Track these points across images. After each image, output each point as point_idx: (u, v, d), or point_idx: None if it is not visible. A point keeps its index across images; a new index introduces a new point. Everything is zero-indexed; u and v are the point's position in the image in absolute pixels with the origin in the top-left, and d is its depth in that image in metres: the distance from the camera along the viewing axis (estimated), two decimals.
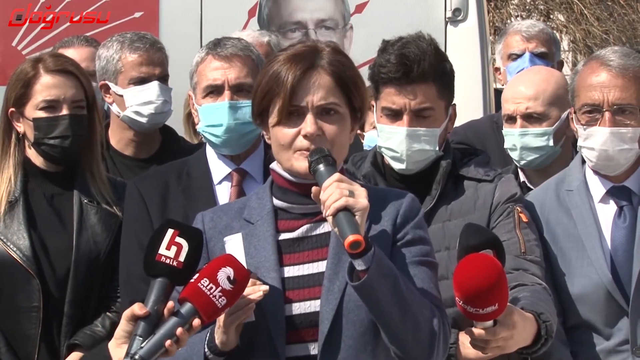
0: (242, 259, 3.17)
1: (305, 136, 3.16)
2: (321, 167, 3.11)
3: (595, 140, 3.94)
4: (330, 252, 3.18)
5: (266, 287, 3.11)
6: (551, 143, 4.52)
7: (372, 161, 4.01)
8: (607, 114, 3.92)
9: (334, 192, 3.03)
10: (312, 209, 3.20)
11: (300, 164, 3.17)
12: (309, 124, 3.16)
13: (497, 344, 3.31)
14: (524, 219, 3.86)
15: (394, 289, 3.06)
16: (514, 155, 4.61)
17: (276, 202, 3.28)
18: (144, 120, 4.98)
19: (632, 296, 3.90)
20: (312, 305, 3.16)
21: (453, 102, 3.98)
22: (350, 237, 2.96)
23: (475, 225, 3.40)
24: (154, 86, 4.96)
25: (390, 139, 3.87)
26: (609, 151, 3.93)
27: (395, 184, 3.90)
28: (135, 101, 4.96)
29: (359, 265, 3.04)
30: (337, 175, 3.07)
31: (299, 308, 3.16)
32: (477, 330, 3.27)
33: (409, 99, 3.81)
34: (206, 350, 3.14)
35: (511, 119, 4.59)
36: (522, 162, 4.61)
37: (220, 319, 3.11)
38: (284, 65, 3.19)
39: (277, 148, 3.23)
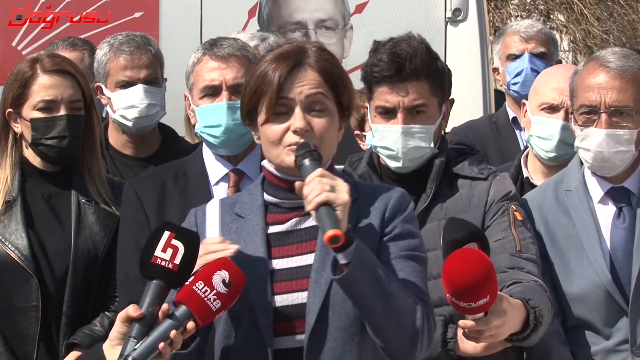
0: (216, 224, 3.25)
1: (295, 131, 3.17)
2: (306, 161, 3.13)
3: (591, 141, 3.93)
4: (318, 245, 3.20)
5: (236, 247, 3.16)
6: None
7: (368, 161, 4.03)
8: (603, 116, 3.91)
9: (316, 187, 3.05)
10: (301, 203, 3.20)
11: (291, 159, 3.18)
12: (298, 119, 3.17)
13: (490, 333, 3.34)
14: (519, 217, 3.86)
15: (376, 283, 3.08)
16: (546, 145, 4.46)
17: (267, 197, 3.31)
18: (129, 123, 5.01)
19: (632, 296, 3.91)
20: (300, 297, 3.18)
21: (447, 100, 4.00)
22: (329, 232, 2.98)
23: (458, 219, 3.42)
24: (137, 90, 4.97)
25: (385, 137, 3.88)
26: (604, 153, 3.92)
27: (391, 184, 3.91)
28: (121, 105, 4.99)
29: (341, 259, 3.07)
30: (319, 171, 3.10)
31: (286, 300, 3.18)
32: (469, 322, 3.29)
33: (402, 97, 3.83)
34: None
35: (552, 109, 4.46)
36: (552, 155, 4.46)
37: None
38: (271, 64, 3.21)
39: (267, 145, 3.24)
